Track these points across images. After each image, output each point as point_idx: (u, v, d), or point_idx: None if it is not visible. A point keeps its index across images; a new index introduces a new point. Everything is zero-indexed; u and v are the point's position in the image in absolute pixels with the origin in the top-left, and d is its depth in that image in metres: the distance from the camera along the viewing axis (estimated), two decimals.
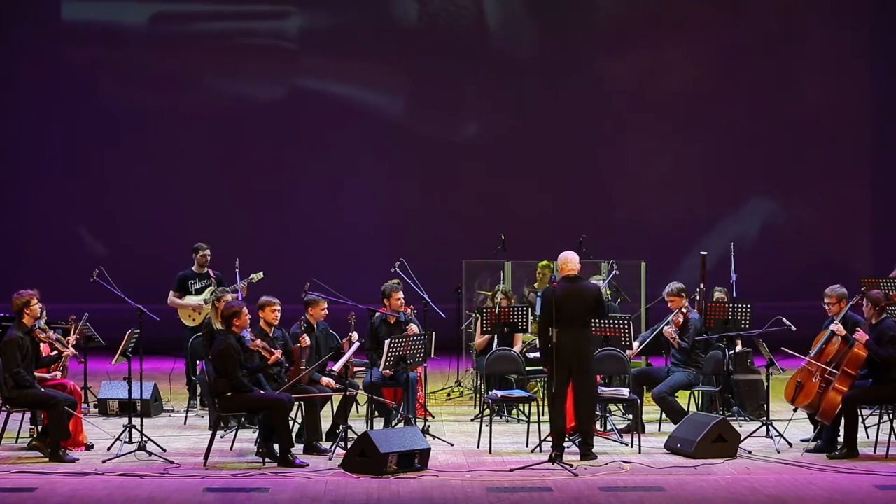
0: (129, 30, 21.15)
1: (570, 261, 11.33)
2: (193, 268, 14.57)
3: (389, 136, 21.23)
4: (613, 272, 14.31)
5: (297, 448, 11.33)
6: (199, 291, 14.43)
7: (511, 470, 10.72)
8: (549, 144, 21.08)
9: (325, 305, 12.29)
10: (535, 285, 15.59)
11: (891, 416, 11.49)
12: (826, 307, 11.67)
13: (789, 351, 11.75)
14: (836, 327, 11.41)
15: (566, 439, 11.80)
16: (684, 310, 12.54)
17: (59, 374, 12.03)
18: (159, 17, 21.22)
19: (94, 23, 21.17)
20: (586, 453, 11.15)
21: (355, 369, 12.83)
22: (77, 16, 21.27)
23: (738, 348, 13.44)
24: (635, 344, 12.56)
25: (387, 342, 11.78)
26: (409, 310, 13.48)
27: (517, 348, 13.29)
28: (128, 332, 11.97)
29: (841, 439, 11.35)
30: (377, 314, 12.75)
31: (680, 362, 12.58)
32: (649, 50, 21.30)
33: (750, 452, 11.39)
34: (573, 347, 11.02)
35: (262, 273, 14.47)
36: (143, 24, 21.15)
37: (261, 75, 21.17)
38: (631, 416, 12.45)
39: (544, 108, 21.08)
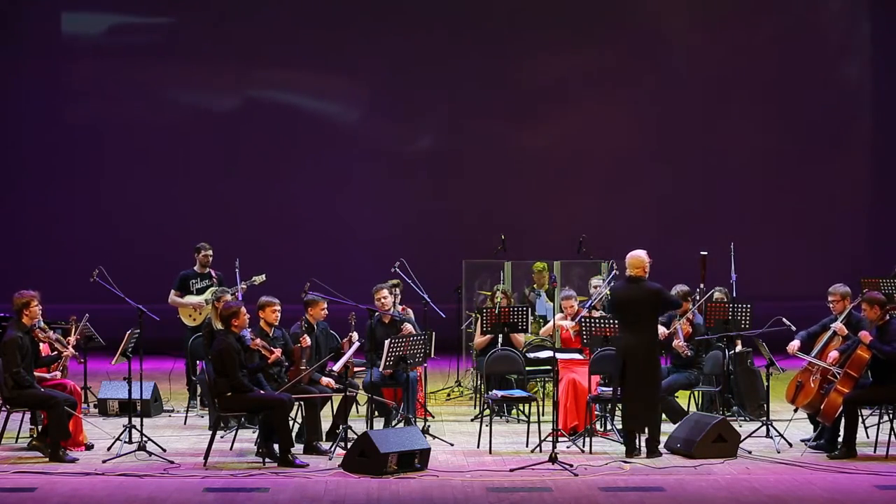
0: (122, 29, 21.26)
1: (631, 263, 11.39)
2: (195, 267, 14.57)
3: (389, 136, 21.24)
4: (613, 272, 14.30)
5: (297, 448, 11.33)
6: (200, 291, 14.43)
7: (511, 470, 10.73)
8: (549, 144, 21.08)
9: (325, 305, 12.28)
10: (535, 285, 15.60)
11: (891, 416, 11.49)
12: (830, 305, 11.73)
13: (796, 353, 11.72)
14: (838, 326, 11.42)
15: (566, 438, 11.85)
16: (690, 316, 12.51)
17: (59, 374, 12.03)
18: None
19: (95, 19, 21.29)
20: (652, 450, 11.22)
21: (355, 369, 12.83)
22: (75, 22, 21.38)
23: (738, 348, 13.44)
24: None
25: (387, 342, 11.78)
26: (407, 309, 13.50)
27: (521, 338, 13.32)
28: (128, 332, 11.97)
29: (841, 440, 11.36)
30: (375, 314, 12.76)
31: (680, 363, 12.56)
32: (649, 50, 21.32)
33: (750, 452, 11.39)
34: (629, 347, 11.19)
35: (263, 276, 14.46)
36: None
37: (261, 76, 21.22)
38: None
39: (545, 107, 21.08)
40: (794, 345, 11.71)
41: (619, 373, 11.25)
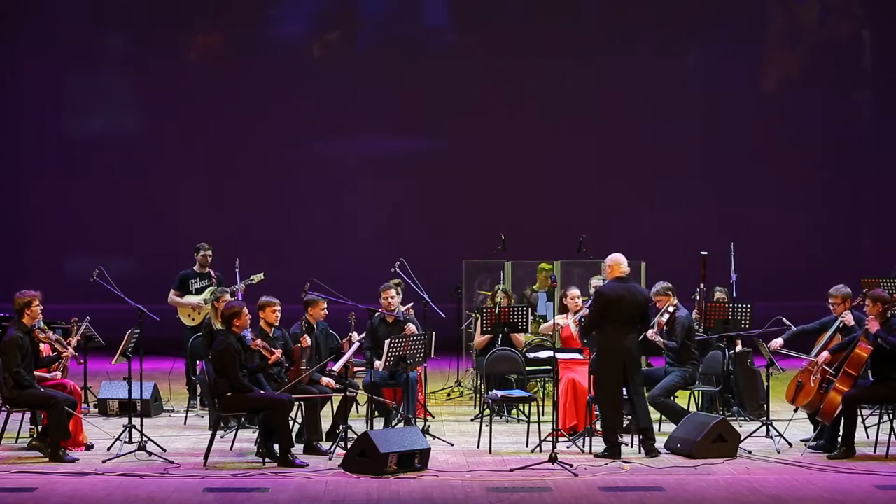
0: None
1: (619, 261, 11.47)
2: (195, 267, 14.57)
3: (389, 136, 21.24)
4: None
5: (297, 448, 11.33)
6: (199, 291, 14.43)
7: (511, 470, 10.73)
8: (549, 144, 21.08)
9: (325, 305, 12.29)
10: (535, 286, 15.60)
11: (891, 416, 11.49)
12: (830, 307, 11.72)
13: (789, 353, 11.74)
14: (847, 318, 11.44)
15: (566, 438, 11.85)
16: (671, 308, 12.45)
17: (59, 374, 12.03)
18: None
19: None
20: (650, 450, 11.26)
21: (355, 369, 12.83)
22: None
23: (739, 348, 13.43)
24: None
25: (387, 342, 11.78)
26: (410, 309, 13.49)
27: (521, 338, 13.30)
28: (128, 332, 11.97)
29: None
30: (376, 314, 12.76)
31: (674, 361, 12.44)
32: (657, 57, 21.33)
33: (750, 452, 11.39)
34: (630, 350, 11.30)
35: (262, 275, 14.46)
36: None
37: (257, 74, 21.25)
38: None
39: (544, 107, 21.09)
40: (777, 342, 11.79)
41: (621, 374, 11.24)
